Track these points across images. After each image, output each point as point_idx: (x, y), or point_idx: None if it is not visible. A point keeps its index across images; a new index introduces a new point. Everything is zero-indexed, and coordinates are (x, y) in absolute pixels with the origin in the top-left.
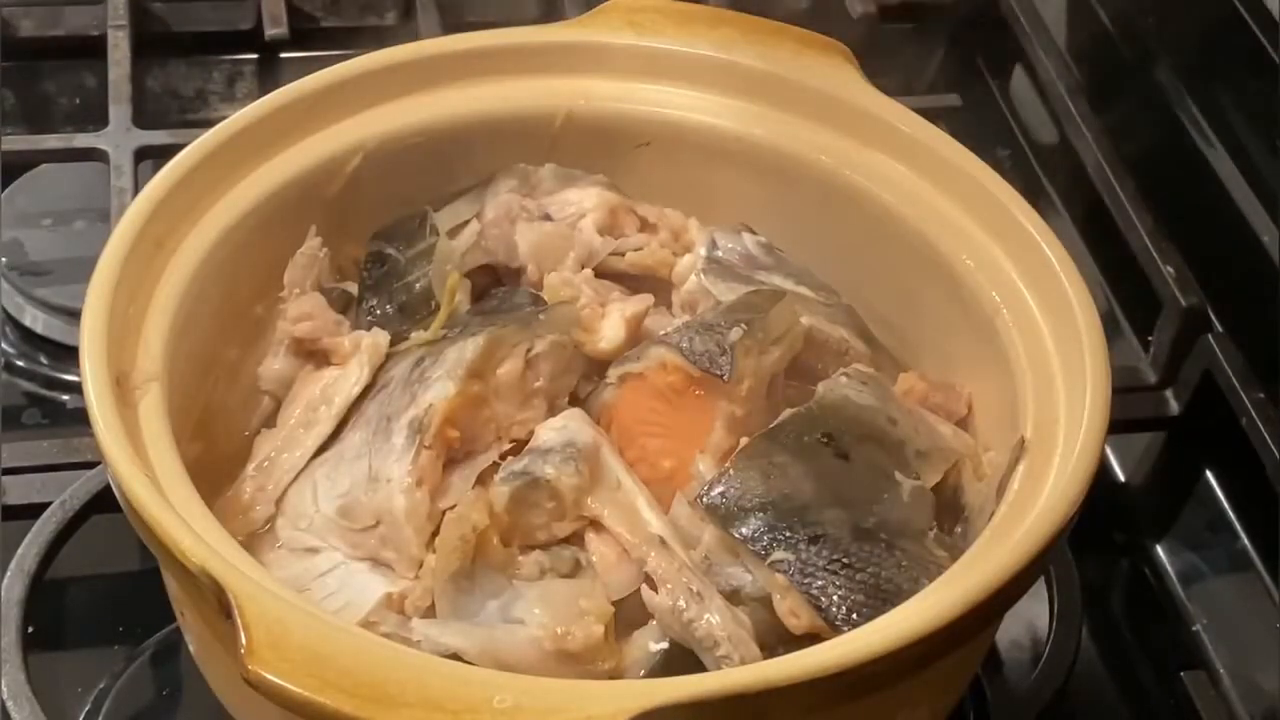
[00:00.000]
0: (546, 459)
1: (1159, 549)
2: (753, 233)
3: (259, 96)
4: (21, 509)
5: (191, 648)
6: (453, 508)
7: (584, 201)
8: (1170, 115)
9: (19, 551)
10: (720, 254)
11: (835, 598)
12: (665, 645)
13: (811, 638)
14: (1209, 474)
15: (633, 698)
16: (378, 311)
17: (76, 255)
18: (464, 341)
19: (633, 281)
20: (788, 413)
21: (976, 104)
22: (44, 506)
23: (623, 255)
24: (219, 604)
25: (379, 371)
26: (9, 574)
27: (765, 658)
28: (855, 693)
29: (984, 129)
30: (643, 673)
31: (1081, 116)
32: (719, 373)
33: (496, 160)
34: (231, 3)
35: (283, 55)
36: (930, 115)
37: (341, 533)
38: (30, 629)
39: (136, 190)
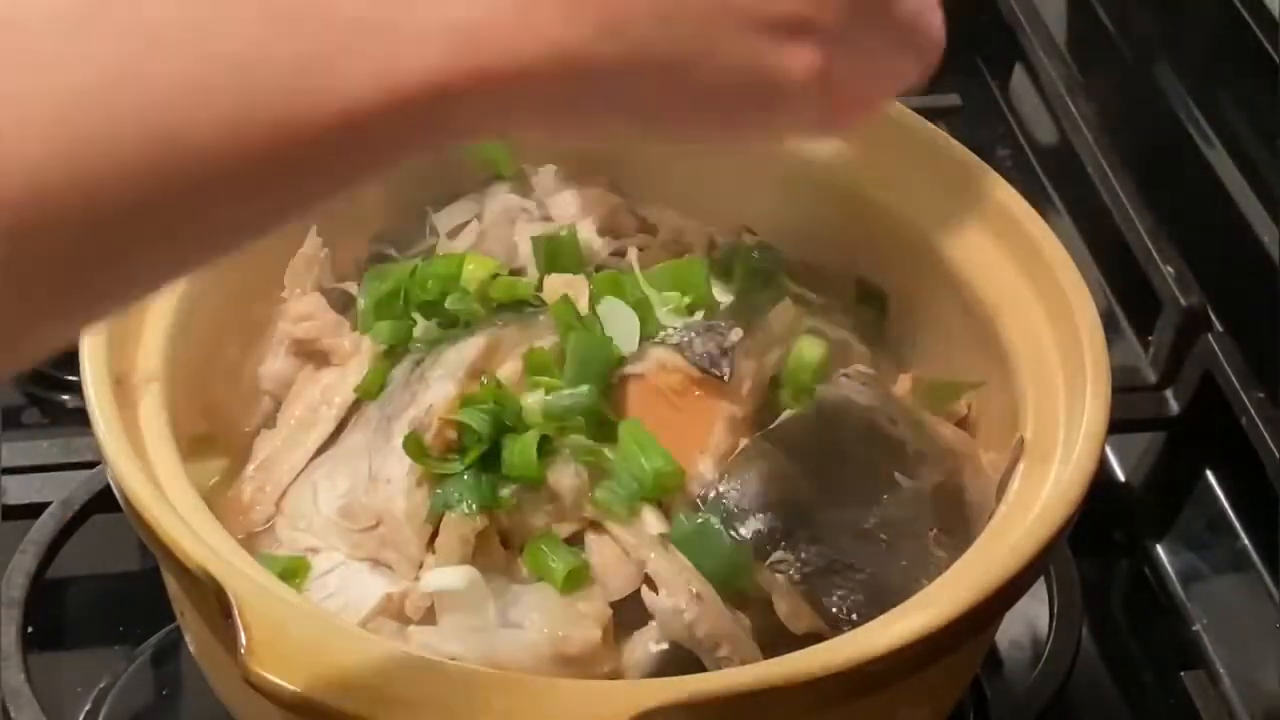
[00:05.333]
0: None
1: (1159, 549)
2: (752, 233)
3: None
4: (21, 509)
5: (191, 648)
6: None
7: (584, 202)
8: (1170, 115)
9: (19, 551)
10: (720, 255)
11: (835, 598)
12: (665, 646)
13: (811, 638)
14: (1209, 474)
15: (632, 698)
16: None
17: None
18: (464, 341)
19: None
20: (788, 413)
21: (976, 104)
22: (44, 506)
23: (623, 256)
24: (219, 604)
25: None
26: (9, 574)
27: (765, 658)
28: (855, 693)
29: (984, 129)
30: (642, 674)
31: (1081, 116)
32: (719, 374)
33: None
34: None
35: None
36: (930, 115)
37: (341, 533)
38: (30, 629)
39: None
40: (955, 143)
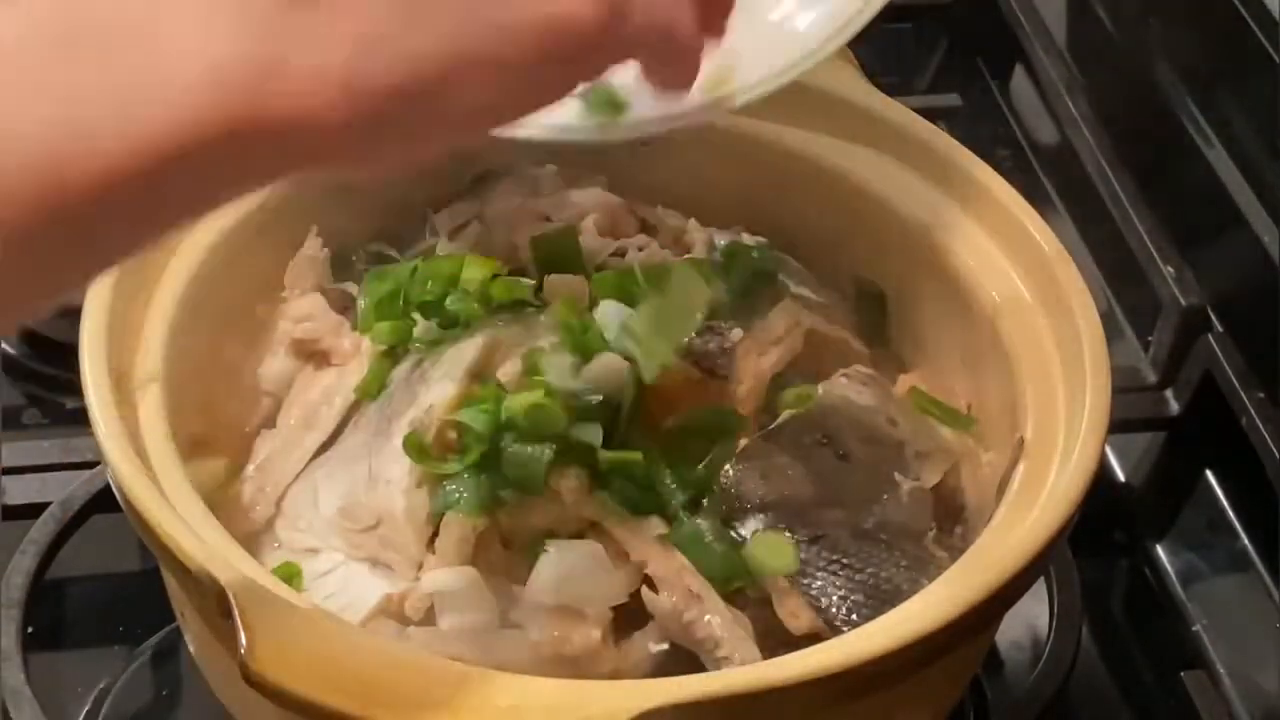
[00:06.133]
0: None
1: (1159, 549)
2: (752, 233)
3: None
4: (21, 509)
5: (191, 648)
6: None
7: (584, 203)
8: (1170, 115)
9: (19, 551)
10: (720, 255)
11: (835, 598)
12: (665, 646)
13: (811, 638)
14: (1209, 474)
15: (632, 698)
16: None
17: None
18: (464, 341)
19: None
20: (787, 413)
21: (976, 104)
22: (44, 506)
23: (623, 256)
24: (219, 604)
25: None
26: (9, 574)
27: (765, 658)
28: (855, 693)
29: (984, 129)
30: (642, 674)
31: (1081, 116)
32: (719, 373)
33: (497, 161)
34: None
35: None
36: (930, 115)
37: (342, 533)
38: (30, 629)
39: None
40: (955, 143)
